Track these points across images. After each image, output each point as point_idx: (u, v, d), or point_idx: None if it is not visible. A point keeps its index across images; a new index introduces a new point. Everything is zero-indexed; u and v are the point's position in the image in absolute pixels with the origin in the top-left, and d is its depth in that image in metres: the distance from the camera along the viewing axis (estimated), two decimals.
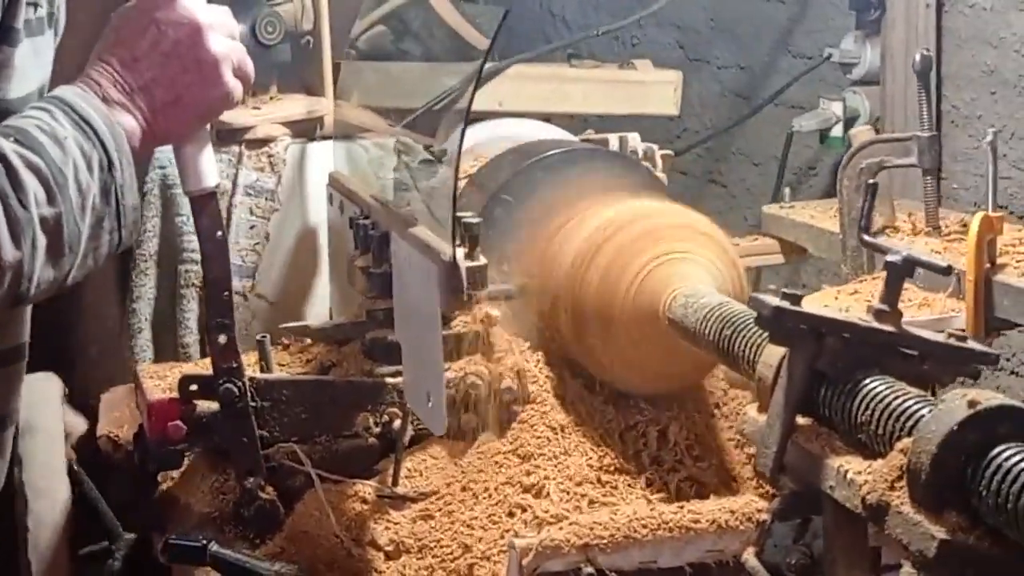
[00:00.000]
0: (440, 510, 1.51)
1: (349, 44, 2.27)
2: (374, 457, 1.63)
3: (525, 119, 2.20)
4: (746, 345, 1.36)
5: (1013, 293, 1.70)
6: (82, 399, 2.02)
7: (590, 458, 1.54)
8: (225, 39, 1.35)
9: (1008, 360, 2.26)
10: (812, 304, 1.54)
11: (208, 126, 1.45)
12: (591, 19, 3.16)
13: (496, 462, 1.54)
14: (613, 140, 2.16)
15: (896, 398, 1.15)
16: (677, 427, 1.58)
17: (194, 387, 1.56)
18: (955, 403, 1.05)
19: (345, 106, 2.26)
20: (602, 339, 1.59)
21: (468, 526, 1.48)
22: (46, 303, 1.31)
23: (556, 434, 1.56)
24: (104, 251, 1.26)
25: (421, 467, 1.59)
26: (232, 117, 2.18)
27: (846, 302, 1.77)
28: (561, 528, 1.34)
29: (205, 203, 1.47)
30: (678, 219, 1.63)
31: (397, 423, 1.61)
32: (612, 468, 1.53)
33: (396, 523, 1.51)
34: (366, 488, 1.56)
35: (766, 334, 1.28)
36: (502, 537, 1.44)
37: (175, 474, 1.72)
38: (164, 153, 2.12)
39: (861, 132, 2.12)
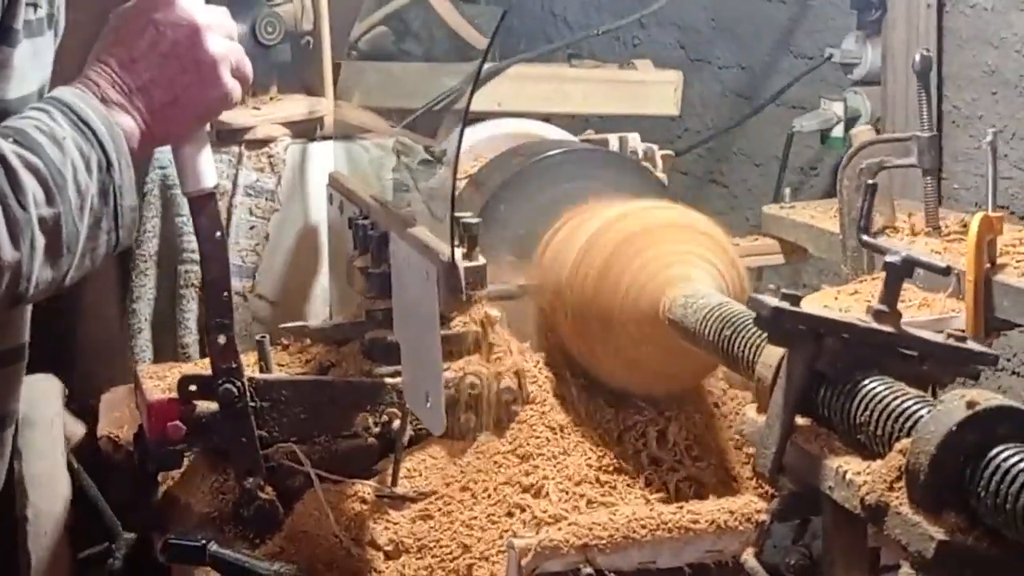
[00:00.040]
0: (439, 510, 1.51)
1: (350, 45, 2.27)
2: (373, 457, 1.63)
3: (525, 119, 2.20)
4: (745, 345, 1.36)
5: (1013, 293, 1.69)
6: (82, 399, 2.02)
7: (589, 458, 1.54)
8: (223, 40, 1.35)
9: (1009, 360, 2.26)
10: (812, 304, 1.54)
11: (207, 127, 1.45)
12: (592, 19, 3.16)
13: (495, 462, 1.54)
14: (613, 140, 2.16)
15: (895, 399, 1.15)
16: (676, 427, 1.58)
17: (193, 387, 1.56)
18: (954, 404, 1.05)
19: (345, 106, 2.26)
20: (602, 339, 1.59)
21: (467, 526, 1.48)
22: (46, 303, 1.31)
23: (555, 434, 1.56)
24: (102, 251, 1.26)
25: (420, 467, 1.59)
26: (232, 117, 2.18)
27: (846, 302, 1.77)
28: (560, 528, 1.34)
29: (204, 203, 1.47)
30: (678, 219, 1.63)
31: (396, 423, 1.61)
32: (611, 468, 1.53)
33: (395, 523, 1.51)
34: (365, 488, 1.56)
35: (765, 334, 1.28)
36: (501, 537, 1.44)
37: (175, 474, 1.72)
38: (164, 153, 2.12)
39: (861, 132, 2.12)
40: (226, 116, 2.14)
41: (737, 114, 2.92)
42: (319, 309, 2.25)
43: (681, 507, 1.38)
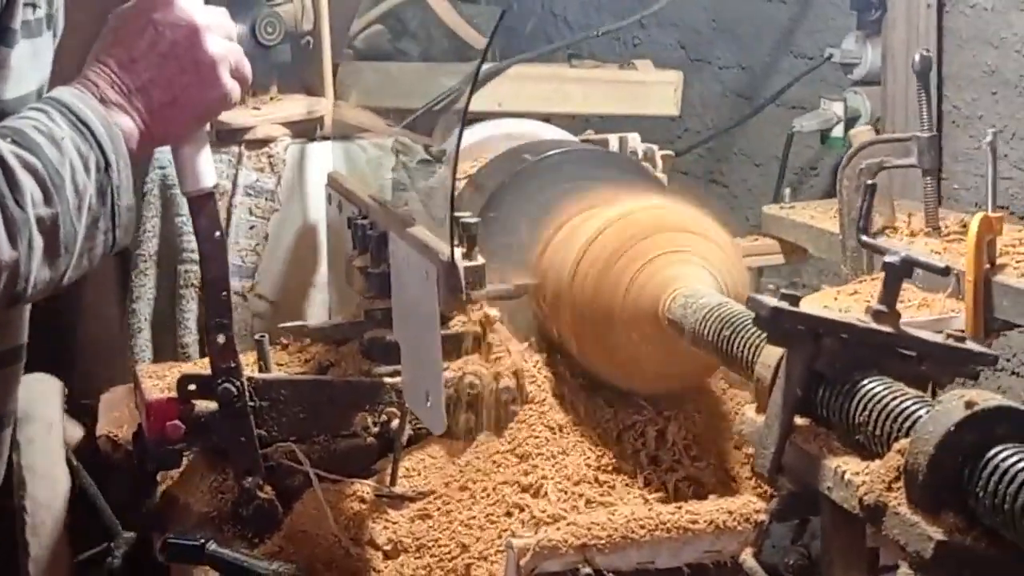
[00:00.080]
0: (438, 509, 1.51)
1: (347, 43, 2.27)
2: (372, 457, 1.63)
3: (525, 119, 2.20)
4: (745, 346, 1.36)
5: (1012, 294, 1.69)
6: (82, 399, 2.02)
7: (588, 458, 1.54)
8: (223, 40, 1.35)
9: (1009, 360, 2.26)
10: (811, 304, 1.54)
11: (206, 127, 1.45)
12: (593, 20, 3.16)
13: (494, 462, 1.54)
14: (613, 140, 2.16)
15: (894, 399, 1.15)
16: (675, 427, 1.58)
17: (192, 387, 1.56)
18: (952, 404, 1.05)
19: (344, 106, 2.26)
20: (602, 339, 1.58)
21: (466, 525, 1.48)
22: (46, 303, 1.31)
23: (554, 434, 1.56)
24: (99, 251, 1.26)
25: (419, 467, 1.59)
26: (232, 117, 2.18)
27: (846, 302, 1.77)
28: (559, 528, 1.34)
29: (203, 203, 1.47)
30: (678, 219, 1.63)
31: (395, 423, 1.61)
32: (610, 468, 1.53)
33: (394, 522, 1.51)
34: (364, 487, 1.56)
35: (764, 335, 1.28)
36: (500, 537, 1.44)
37: (174, 474, 1.72)
38: (164, 153, 2.12)
39: (861, 132, 2.12)
40: (226, 116, 2.14)
41: (737, 114, 2.92)
42: (319, 309, 2.25)
43: (680, 507, 1.38)
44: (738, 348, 1.37)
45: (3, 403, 1.47)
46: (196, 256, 1.79)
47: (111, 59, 1.31)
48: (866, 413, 1.16)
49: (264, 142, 2.25)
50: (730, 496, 1.45)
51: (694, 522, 1.35)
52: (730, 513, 1.36)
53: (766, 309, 1.21)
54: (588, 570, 1.31)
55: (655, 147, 2.18)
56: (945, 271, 1.38)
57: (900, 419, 1.12)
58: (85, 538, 1.85)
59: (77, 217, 1.22)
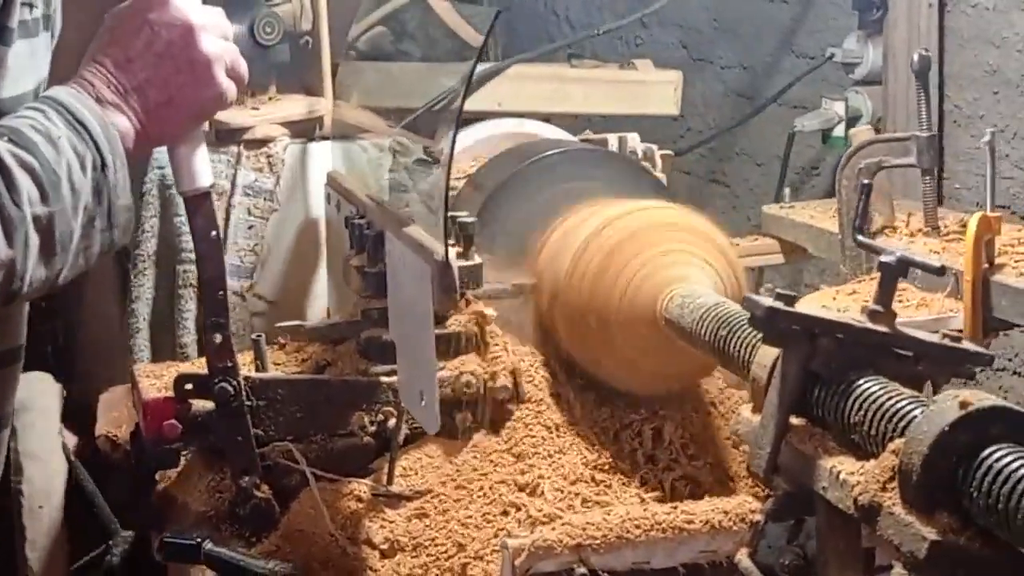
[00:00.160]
0: (435, 509, 1.51)
1: (348, 45, 2.27)
2: (369, 456, 1.63)
3: (525, 119, 2.20)
4: (741, 345, 1.36)
5: (1011, 293, 1.69)
6: (81, 399, 2.02)
7: (584, 457, 1.54)
8: (218, 40, 1.35)
9: (1010, 360, 2.25)
10: (810, 304, 1.54)
11: (203, 126, 1.45)
12: (595, 19, 3.16)
13: (491, 461, 1.54)
14: (612, 140, 2.16)
15: (889, 399, 1.15)
16: (672, 426, 1.58)
17: (189, 386, 1.56)
18: (947, 404, 1.05)
19: (343, 106, 2.26)
20: (599, 339, 1.58)
21: (463, 525, 1.47)
22: (45, 303, 1.31)
23: (551, 433, 1.56)
24: (95, 251, 1.26)
25: (416, 466, 1.59)
26: (231, 117, 2.18)
27: (844, 302, 1.76)
28: (554, 528, 1.33)
29: (199, 203, 1.47)
30: (675, 219, 1.63)
31: (392, 422, 1.61)
32: (607, 467, 1.53)
33: (391, 521, 1.51)
34: (361, 487, 1.55)
35: (760, 335, 1.28)
36: (496, 536, 1.44)
37: (172, 473, 1.72)
38: (163, 154, 2.09)
39: (860, 132, 2.11)
40: (225, 116, 2.15)
41: (739, 114, 2.92)
42: (318, 309, 2.25)
43: (675, 507, 1.38)
44: (734, 348, 1.37)
45: (1, 405, 1.47)
46: (195, 256, 1.79)
47: (107, 59, 1.31)
48: (861, 413, 1.16)
49: (263, 142, 2.25)
50: (727, 495, 1.45)
51: (690, 522, 1.35)
52: (725, 513, 1.36)
53: (762, 309, 1.21)
54: (583, 570, 1.31)
55: (655, 147, 2.17)
56: (941, 271, 1.37)
57: (895, 419, 1.12)
58: (84, 537, 1.85)
59: (73, 216, 1.22)
